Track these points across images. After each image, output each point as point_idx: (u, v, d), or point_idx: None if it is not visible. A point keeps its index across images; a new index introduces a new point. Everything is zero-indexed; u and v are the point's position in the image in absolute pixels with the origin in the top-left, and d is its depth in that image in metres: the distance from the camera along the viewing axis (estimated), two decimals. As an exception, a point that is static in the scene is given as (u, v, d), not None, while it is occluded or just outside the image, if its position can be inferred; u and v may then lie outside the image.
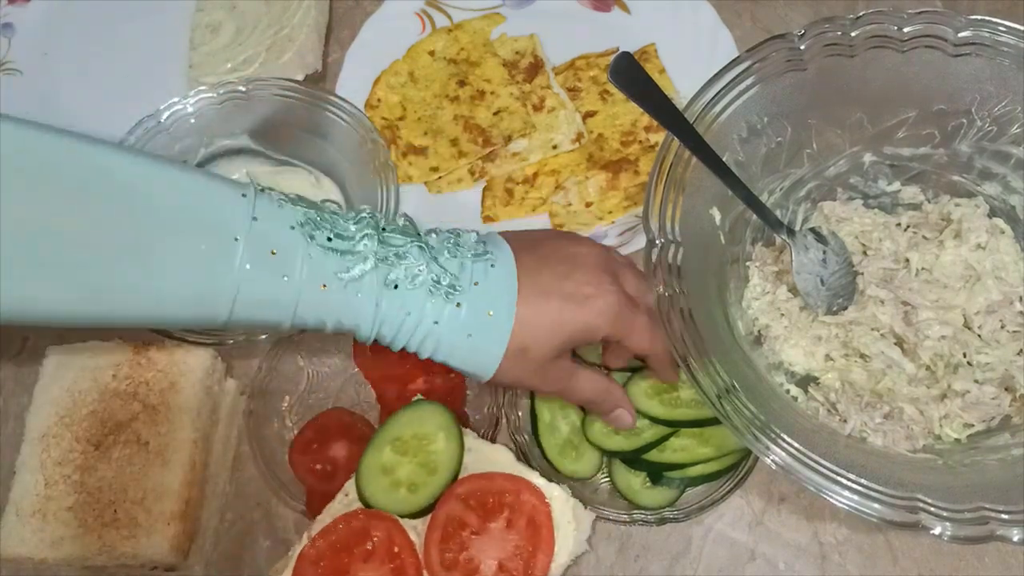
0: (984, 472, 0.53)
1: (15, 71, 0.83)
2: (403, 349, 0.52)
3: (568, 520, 0.54)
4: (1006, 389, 0.58)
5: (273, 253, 0.47)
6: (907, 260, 0.63)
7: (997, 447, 0.55)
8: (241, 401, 0.68)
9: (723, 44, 0.78)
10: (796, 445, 0.48)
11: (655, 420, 0.61)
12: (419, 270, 0.50)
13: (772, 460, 0.48)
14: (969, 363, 0.59)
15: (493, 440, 0.63)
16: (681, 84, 0.78)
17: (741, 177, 0.56)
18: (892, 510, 0.46)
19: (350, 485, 0.56)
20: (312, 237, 0.48)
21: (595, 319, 0.53)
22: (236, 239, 0.46)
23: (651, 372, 0.61)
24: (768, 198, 0.63)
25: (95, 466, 0.60)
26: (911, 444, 0.56)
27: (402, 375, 0.62)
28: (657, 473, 0.61)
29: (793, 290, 0.61)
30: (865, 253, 0.64)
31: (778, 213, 0.63)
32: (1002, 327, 0.60)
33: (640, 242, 0.69)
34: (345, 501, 0.56)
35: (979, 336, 0.60)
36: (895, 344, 0.60)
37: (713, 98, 0.57)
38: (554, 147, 0.77)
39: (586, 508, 0.57)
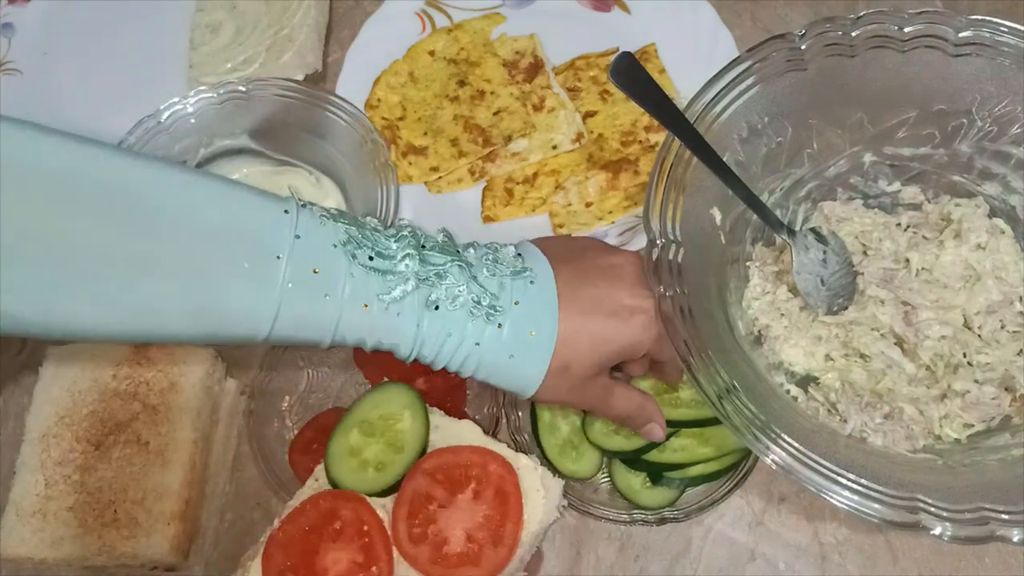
0: (984, 472, 0.53)
1: (15, 71, 0.83)
2: (443, 368, 0.52)
3: (536, 488, 0.54)
4: (1006, 389, 0.58)
5: (315, 272, 0.47)
6: (907, 260, 0.63)
7: (997, 447, 0.55)
8: (241, 401, 0.68)
9: (723, 44, 0.78)
10: (796, 445, 0.48)
11: None
12: (459, 291, 0.49)
13: (772, 460, 0.48)
14: (969, 363, 0.59)
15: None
16: (681, 84, 0.78)
17: (741, 177, 0.56)
18: (892, 510, 0.46)
19: (319, 470, 0.56)
20: (354, 256, 0.48)
21: (640, 335, 0.53)
22: (279, 257, 0.46)
23: (657, 374, 0.61)
24: (768, 198, 0.63)
25: (95, 466, 0.60)
26: (911, 444, 0.56)
27: (402, 375, 0.62)
28: (657, 473, 0.61)
29: (793, 290, 0.61)
30: (865, 253, 0.63)
31: (778, 213, 0.63)
32: (1002, 327, 0.60)
33: (640, 242, 0.69)
34: (315, 486, 0.56)
35: (979, 336, 0.60)
36: (895, 344, 0.60)
37: (713, 98, 0.57)
38: (554, 147, 0.77)
39: (559, 480, 0.57)
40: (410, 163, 0.77)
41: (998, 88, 0.58)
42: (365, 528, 0.53)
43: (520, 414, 0.64)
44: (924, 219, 0.65)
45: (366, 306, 0.48)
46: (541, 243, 0.56)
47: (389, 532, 0.53)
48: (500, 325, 0.50)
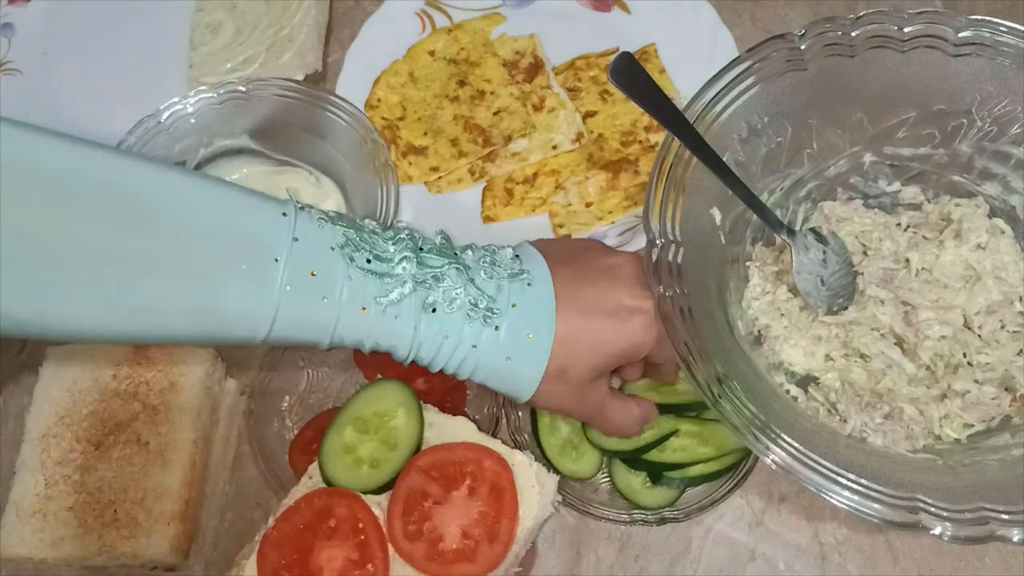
0: (984, 472, 0.53)
1: (15, 71, 0.83)
2: (441, 370, 0.52)
3: (532, 484, 0.55)
4: (1006, 389, 0.58)
5: (313, 275, 0.47)
6: (907, 260, 0.63)
7: (997, 447, 0.55)
8: (241, 401, 0.68)
9: (723, 44, 0.78)
10: (796, 445, 0.48)
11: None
12: (456, 293, 0.49)
13: (772, 460, 0.48)
14: (969, 363, 0.59)
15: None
16: (681, 84, 0.78)
17: (741, 177, 0.56)
18: (892, 510, 0.46)
19: (314, 468, 0.56)
20: (352, 259, 0.48)
21: (641, 336, 0.52)
22: (277, 260, 0.46)
23: (653, 374, 0.61)
24: (768, 198, 0.63)
25: (95, 466, 0.60)
26: (911, 444, 0.56)
27: (401, 374, 0.62)
28: (657, 473, 0.61)
29: (793, 290, 0.61)
30: (865, 253, 0.63)
31: (778, 213, 0.63)
32: (1002, 327, 0.60)
33: (640, 242, 0.69)
34: (309, 484, 0.56)
35: (979, 336, 0.60)
36: (895, 344, 0.60)
37: (713, 98, 0.57)
38: (554, 147, 0.77)
39: (553, 474, 0.57)
40: (410, 163, 0.77)
41: (998, 88, 0.58)
42: (360, 526, 0.53)
43: (520, 414, 0.64)
44: (924, 219, 0.65)
45: (364, 308, 0.48)
46: (540, 244, 0.56)
47: (384, 529, 0.53)
48: (497, 328, 0.50)
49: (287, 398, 0.68)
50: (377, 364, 0.66)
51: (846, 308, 0.61)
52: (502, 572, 0.53)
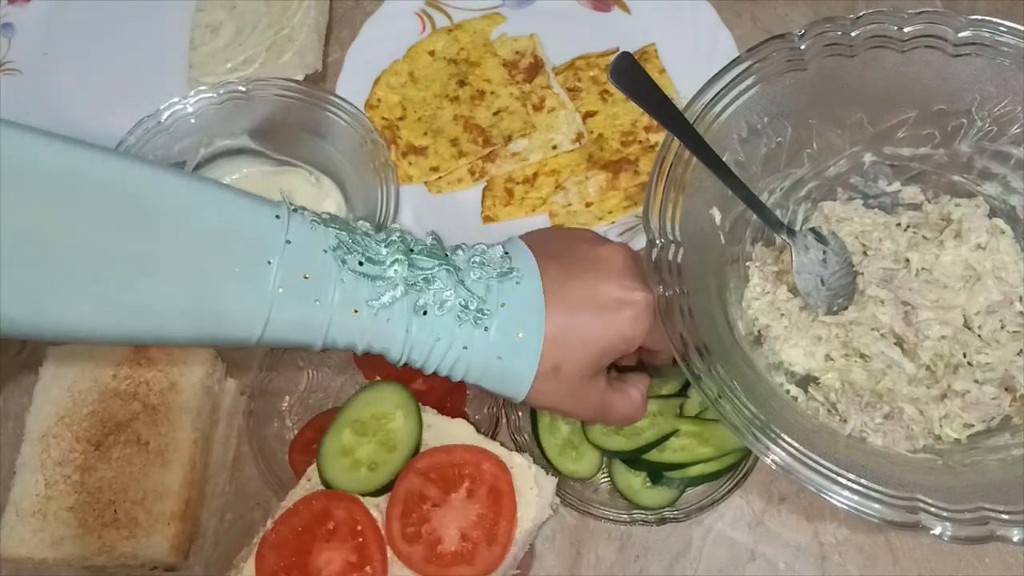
0: (984, 472, 0.53)
1: (15, 71, 0.83)
2: (434, 372, 0.52)
3: (531, 487, 0.55)
4: (1006, 389, 0.58)
5: (306, 277, 0.47)
6: (907, 260, 0.63)
7: (997, 447, 0.55)
8: (241, 401, 0.68)
9: (723, 44, 0.78)
10: (796, 445, 0.48)
11: None
12: (447, 295, 0.50)
13: (772, 460, 0.48)
14: (969, 363, 0.59)
15: (494, 440, 0.64)
16: (681, 84, 0.78)
17: (741, 177, 0.56)
18: (892, 510, 0.46)
19: (312, 470, 0.56)
20: (344, 262, 0.48)
21: (632, 329, 0.52)
22: (270, 262, 0.46)
23: (647, 359, 0.60)
24: (768, 198, 0.63)
25: (95, 466, 0.60)
26: (911, 444, 0.56)
27: (401, 375, 0.62)
28: (657, 473, 0.61)
29: (793, 290, 0.61)
30: (865, 253, 0.64)
31: (778, 213, 0.63)
32: (1002, 327, 0.60)
33: (640, 242, 0.69)
34: (307, 486, 0.56)
35: (979, 336, 0.60)
36: (895, 344, 0.60)
37: (713, 98, 0.57)
38: (554, 147, 0.77)
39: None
40: (410, 163, 0.77)
41: (998, 88, 0.58)
42: (359, 528, 0.53)
43: (520, 414, 0.64)
44: (924, 219, 0.65)
45: (356, 311, 0.48)
46: (530, 238, 0.56)
47: (383, 532, 0.53)
48: (487, 328, 0.50)
49: (287, 398, 0.68)
50: (377, 364, 0.66)
51: (846, 308, 0.61)
52: (500, 574, 0.53)
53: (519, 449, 0.62)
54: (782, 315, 0.62)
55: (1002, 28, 0.57)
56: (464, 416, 0.65)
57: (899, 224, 0.65)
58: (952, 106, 0.60)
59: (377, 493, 0.55)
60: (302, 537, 0.53)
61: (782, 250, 0.63)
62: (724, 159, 0.55)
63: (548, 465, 0.62)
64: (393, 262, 0.49)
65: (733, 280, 0.62)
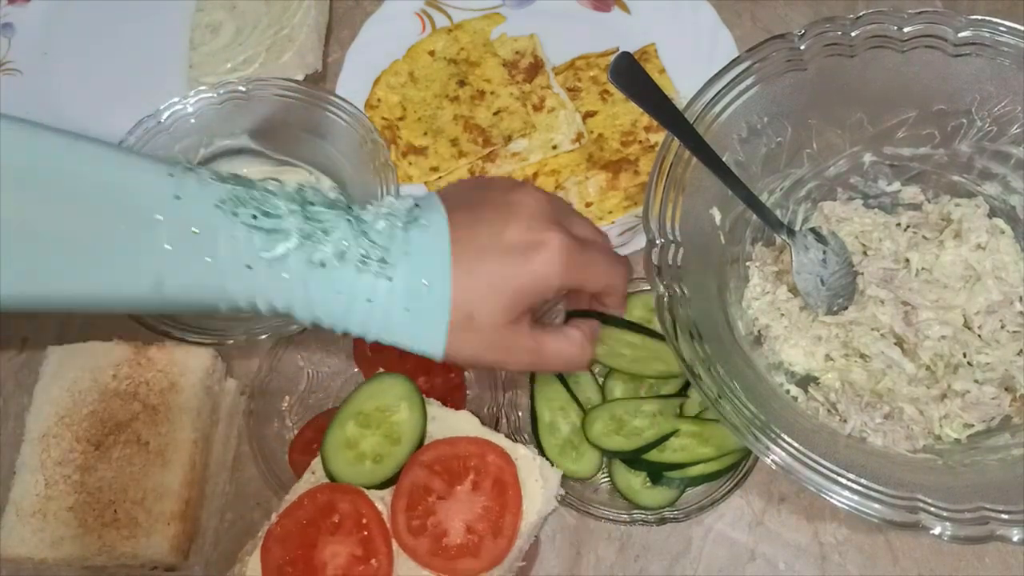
0: (984, 472, 0.53)
1: (15, 71, 0.83)
2: (361, 337, 0.50)
3: (535, 479, 0.54)
4: (1006, 389, 0.58)
5: (195, 232, 0.45)
6: (907, 260, 0.63)
7: (997, 447, 0.55)
8: (241, 401, 0.68)
9: (723, 44, 0.78)
10: (796, 445, 0.48)
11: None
12: (346, 246, 0.47)
13: (772, 460, 0.48)
14: (969, 363, 0.59)
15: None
16: (681, 84, 0.78)
17: (741, 177, 0.56)
18: (892, 510, 0.46)
19: (316, 463, 0.56)
20: (235, 214, 0.46)
21: (542, 268, 0.49)
22: (158, 218, 0.45)
23: (600, 306, 0.58)
24: (768, 198, 0.63)
25: (95, 466, 0.60)
26: (911, 444, 0.56)
27: (404, 370, 0.62)
28: (657, 473, 0.61)
29: (793, 290, 0.61)
30: (865, 253, 0.64)
31: (778, 213, 0.63)
32: (1002, 327, 0.60)
33: (640, 242, 0.69)
34: (312, 479, 0.56)
35: (979, 336, 0.60)
36: (895, 344, 0.60)
37: (713, 98, 0.57)
38: (554, 147, 0.77)
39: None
40: (410, 163, 0.77)
41: (998, 88, 0.58)
42: (364, 521, 0.53)
43: (520, 414, 0.64)
44: (924, 219, 0.65)
45: (249, 267, 0.46)
46: (445, 190, 0.53)
47: (388, 525, 0.53)
48: (390, 279, 0.48)
49: (287, 398, 0.68)
50: (379, 364, 0.66)
51: (846, 308, 0.61)
52: (506, 567, 0.53)
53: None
54: (782, 315, 0.62)
55: (1002, 28, 0.57)
56: (465, 414, 0.65)
57: (899, 224, 0.65)
58: (952, 106, 0.60)
59: (382, 486, 0.55)
60: (307, 530, 0.53)
61: (782, 250, 0.63)
62: (724, 159, 0.56)
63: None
64: (289, 213, 0.47)
65: (733, 280, 0.62)
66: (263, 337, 0.65)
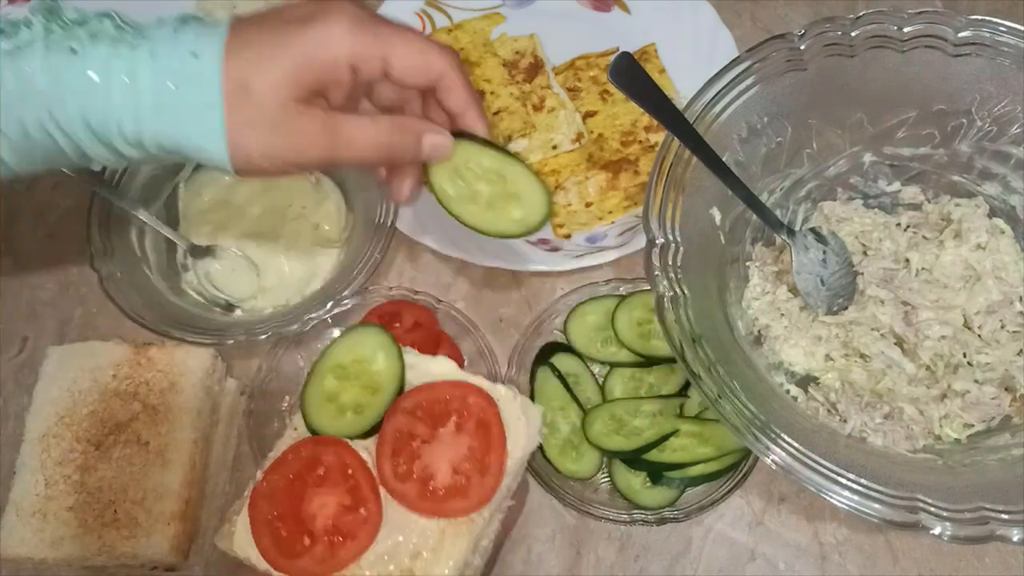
0: (984, 472, 0.53)
1: (15, 71, 0.83)
2: (138, 144, 0.46)
3: (518, 417, 0.54)
4: (1006, 389, 0.58)
5: None
6: (907, 260, 0.63)
7: (997, 447, 0.55)
8: (241, 401, 0.68)
9: (723, 44, 0.78)
10: (796, 445, 0.48)
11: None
12: (99, 28, 0.44)
13: (772, 460, 0.48)
14: (969, 363, 0.59)
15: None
16: (681, 84, 0.78)
17: (741, 177, 0.56)
18: (892, 510, 0.46)
19: (298, 420, 0.56)
20: None
21: (323, 34, 0.45)
22: None
23: (459, 122, 0.53)
24: (768, 198, 0.63)
25: (95, 466, 0.60)
26: (911, 444, 0.56)
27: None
28: (657, 473, 0.61)
29: (793, 290, 0.61)
30: (865, 253, 0.64)
31: (778, 213, 0.63)
32: (1002, 327, 0.60)
33: (640, 242, 0.69)
34: (294, 435, 0.56)
35: (979, 336, 0.60)
36: (895, 344, 0.60)
37: (713, 98, 0.57)
38: (554, 147, 0.77)
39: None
40: (410, 163, 0.77)
41: (998, 88, 0.58)
42: (349, 471, 0.53)
43: (520, 414, 0.64)
44: (924, 219, 0.65)
45: None
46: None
47: (375, 473, 0.53)
48: (152, 53, 0.44)
49: (287, 398, 0.68)
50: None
51: (846, 308, 0.61)
52: (495, 505, 0.53)
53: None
54: (782, 315, 0.62)
55: (1002, 28, 0.57)
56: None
57: (899, 224, 0.65)
58: (952, 106, 0.60)
59: (365, 435, 0.54)
60: (293, 484, 0.53)
61: (782, 250, 0.63)
62: (724, 159, 0.56)
63: (548, 465, 0.62)
64: (36, 12, 0.44)
65: (733, 280, 0.62)
66: (263, 337, 0.65)
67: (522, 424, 0.54)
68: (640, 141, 0.76)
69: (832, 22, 0.58)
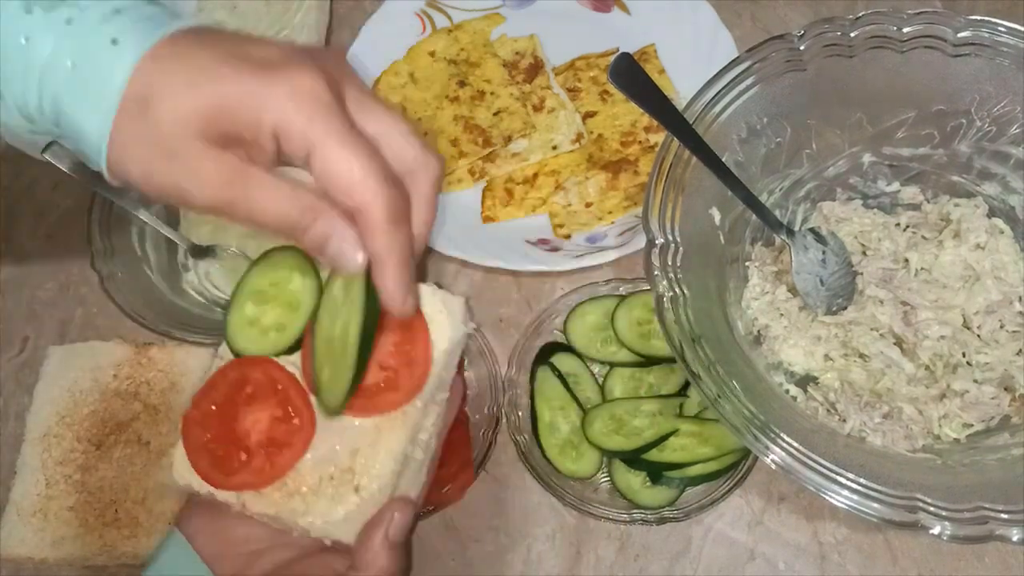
0: (983, 472, 0.53)
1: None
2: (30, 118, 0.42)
3: (439, 310, 0.53)
4: (1005, 389, 0.58)
5: None
6: (906, 260, 0.63)
7: (996, 447, 0.55)
8: (241, 401, 0.68)
9: (723, 44, 0.78)
10: (796, 445, 0.48)
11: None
12: None
13: (772, 460, 0.48)
14: (968, 363, 0.59)
15: (494, 440, 0.64)
16: (681, 84, 0.78)
17: (741, 177, 0.56)
18: (891, 510, 0.46)
19: (223, 349, 0.55)
20: None
21: (261, 87, 0.40)
22: None
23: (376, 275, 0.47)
24: (768, 198, 0.63)
25: (96, 466, 0.60)
26: (910, 444, 0.56)
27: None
28: (657, 473, 0.61)
29: (793, 290, 0.61)
30: (864, 253, 0.64)
31: (778, 213, 0.63)
32: (1001, 327, 0.60)
33: (640, 242, 0.69)
34: (219, 363, 0.55)
35: (978, 336, 0.60)
36: (894, 344, 0.60)
37: (713, 98, 0.57)
38: (554, 147, 0.77)
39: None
40: (410, 163, 0.77)
41: (997, 88, 0.58)
42: (279, 386, 0.52)
43: (520, 414, 0.64)
44: (923, 219, 0.65)
45: None
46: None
47: (304, 383, 0.52)
48: (69, 21, 0.40)
49: (287, 398, 0.68)
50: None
51: (845, 308, 0.61)
52: (428, 395, 0.52)
53: (519, 450, 0.62)
54: (781, 315, 0.62)
55: (1001, 28, 0.57)
56: (463, 416, 0.65)
57: (898, 224, 0.65)
58: (952, 106, 0.60)
59: (290, 351, 0.53)
60: (224, 407, 0.52)
61: (781, 250, 0.63)
62: (724, 159, 0.56)
63: (548, 465, 0.62)
64: None
65: (733, 280, 0.62)
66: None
67: (444, 316, 0.53)
68: (640, 141, 0.76)
69: (831, 23, 0.58)
